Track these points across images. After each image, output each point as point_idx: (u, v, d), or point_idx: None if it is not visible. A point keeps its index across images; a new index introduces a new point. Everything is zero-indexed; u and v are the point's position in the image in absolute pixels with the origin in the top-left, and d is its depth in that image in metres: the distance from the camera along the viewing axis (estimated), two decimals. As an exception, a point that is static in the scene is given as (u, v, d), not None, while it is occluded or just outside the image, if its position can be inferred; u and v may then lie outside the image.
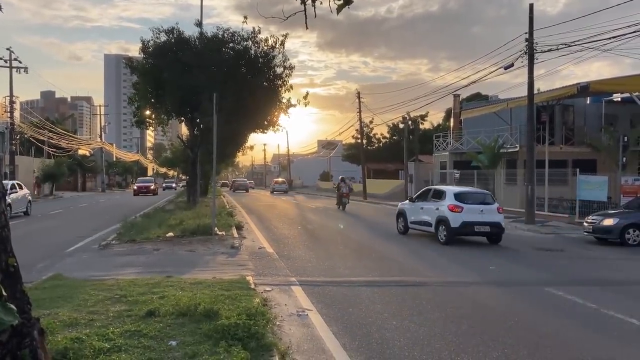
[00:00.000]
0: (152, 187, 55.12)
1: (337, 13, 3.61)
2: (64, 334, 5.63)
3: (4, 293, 2.69)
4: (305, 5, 3.60)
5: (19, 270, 3.12)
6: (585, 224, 17.53)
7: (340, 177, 35.70)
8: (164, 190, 74.68)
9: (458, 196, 16.82)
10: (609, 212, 17.93)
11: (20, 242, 14.73)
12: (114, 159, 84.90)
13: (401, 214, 19.32)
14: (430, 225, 17.17)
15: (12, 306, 2.69)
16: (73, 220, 24.25)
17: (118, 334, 5.76)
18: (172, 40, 23.92)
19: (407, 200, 20.12)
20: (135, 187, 56.45)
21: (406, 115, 46.82)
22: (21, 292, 3.09)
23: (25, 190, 27.04)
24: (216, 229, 16.48)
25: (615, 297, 9.34)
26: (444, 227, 16.41)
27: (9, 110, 44.05)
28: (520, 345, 6.45)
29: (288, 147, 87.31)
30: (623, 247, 15.88)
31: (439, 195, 17.47)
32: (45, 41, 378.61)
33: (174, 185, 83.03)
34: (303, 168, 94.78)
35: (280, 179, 70.06)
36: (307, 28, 3.69)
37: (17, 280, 3.09)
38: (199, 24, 24.66)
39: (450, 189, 18.00)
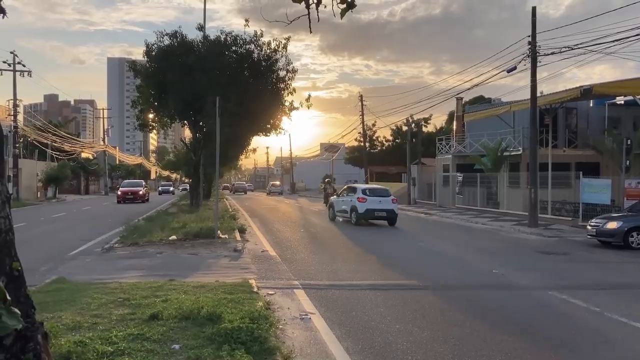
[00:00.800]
0: (140, 193, 43.02)
1: (341, 17, 3.62)
2: (67, 337, 5.64)
3: (8, 297, 2.69)
4: (309, 9, 3.61)
5: (23, 274, 3.13)
6: (588, 227, 17.47)
7: (327, 179, 42.34)
8: (160, 194, 67.37)
9: (364, 191, 23.40)
10: (613, 215, 17.87)
11: (23, 245, 14.73)
12: (117, 162, 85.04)
13: (331, 206, 26.00)
14: (347, 212, 23.74)
15: (17, 310, 2.69)
16: (76, 223, 24.29)
17: (121, 337, 5.76)
18: (176, 43, 23.99)
19: (335, 196, 27.10)
20: (118, 192, 43.74)
21: (409, 118, 46.87)
22: (25, 296, 3.09)
23: None
24: (219, 232, 16.48)
25: (619, 301, 9.30)
26: (354, 212, 23.01)
27: (12, 114, 44.21)
28: (523, 349, 6.43)
29: (291, 150, 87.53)
30: (627, 251, 15.82)
31: (354, 190, 23.98)
32: (48, 45, 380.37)
33: (171, 189, 74.34)
34: (306, 171, 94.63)
35: (277, 183, 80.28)
36: (310, 32, 3.69)
37: (21, 284, 3.09)
38: (202, 27, 24.74)
39: (360, 186, 24.58)
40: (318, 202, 46.35)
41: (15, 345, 2.81)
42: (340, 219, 24.89)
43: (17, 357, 2.81)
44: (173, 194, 68.99)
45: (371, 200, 22.83)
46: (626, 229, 16.22)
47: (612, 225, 16.48)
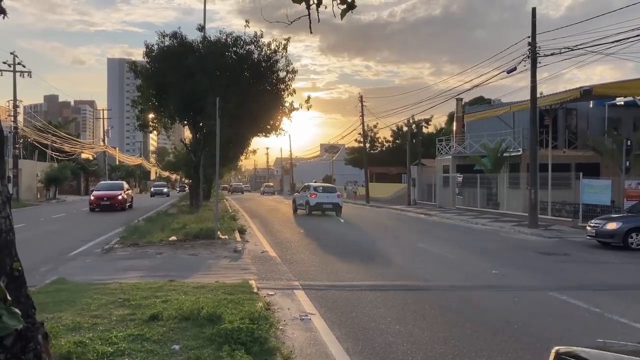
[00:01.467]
0: (119, 198, 32.94)
1: (342, 18, 3.61)
2: (67, 338, 5.64)
3: (9, 297, 2.69)
4: (309, 9, 3.61)
5: (23, 275, 3.12)
6: (588, 227, 17.47)
7: (314, 181, 49.28)
8: (152, 196, 60.83)
9: (315, 188, 30.11)
10: (612, 216, 17.87)
11: (23, 246, 14.71)
12: (117, 163, 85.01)
13: (294, 201, 32.30)
14: (304, 205, 29.92)
15: (17, 310, 2.69)
16: (76, 224, 24.29)
17: (121, 337, 5.76)
18: (176, 44, 24.00)
19: (296, 192, 34.24)
20: (91, 197, 34.00)
21: (410, 119, 46.87)
22: (26, 296, 3.09)
23: None
24: (219, 232, 16.48)
25: (619, 302, 9.30)
26: (308, 205, 29.22)
27: (12, 114, 44.21)
28: (524, 350, 6.43)
29: (291, 151, 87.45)
30: (627, 251, 15.81)
31: (308, 188, 30.56)
32: (48, 45, 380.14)
33: (165, 190, 66.29)
34: (306, 172, 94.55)
35: (270, 184, 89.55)
36: (311, 32, 3.69)
37: (22, 284, 3.09)
38: (202, 28, 24.76)
39: (313, 185, 31.59)
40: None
41: (15, 345, 2.81)
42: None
43: (17, 357, 2.81)
44: (168, 195, 62.71)
45: (320, 195, 29.33)
46: (626, 229, 16.20)
47: (612, 226, 16.47)
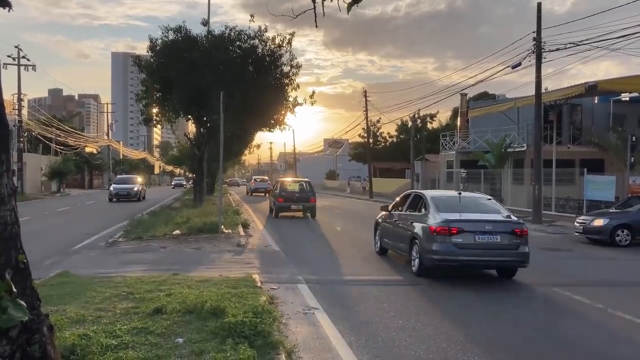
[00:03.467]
0: None
1: (348, 12, 3.59)
2: (71, 330, 5.67)
3: (14, 289, 2.70)
4: (315, 3, 3.60)
5: (28, 267, 3.13)
6: (576, 224, 17.43)
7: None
8: (112, 200, 36.65)
9: (255, 179, 55.12)
10: (600, 212, 17.84)
11: (28, 239, 14.80)
12: (121, 157, 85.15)
13: (247, 187, 56.60)
14: (249, 190, 51.58)
15: (22, 302, 2.71)
16: (80, 217, 24.36)
17: (125, 331, 5.78)
18: (180, 38, 23.95)
19: (247, 182, 68.13)
20: None
21: (415, 114, 46.76)
22: (31, 289, 3.10)
23: None
24: (222, 227, 16.51)
25: (623, 298, 9.30)
26: (250, 189, 51.45)
27: (17, 108, 44.28)
28: (527, 346, 6.43)
29: (294, 146, 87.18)
30: (633, 248, 15.75)
31: (251, 179, 59.83)
32: (52, 39, 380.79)
33: (136, 188, 38.75)
34: (309, 166, 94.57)
35: (258, 178, 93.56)
36: (316, 26, 3.69)
37: (27, 276, 3.10)
38: (206, 22, 24.71)
39: (254, 177, 60.97)
40: (321, 198, 46.31)
41: (21, 337, 2.82)
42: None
43: (23, 348, 2.82)
44: (142, 198, 38.74)
45: (258, 184, 50.55)
46: (612, 226, 16.14)
47: (599, 222, 16.43)
